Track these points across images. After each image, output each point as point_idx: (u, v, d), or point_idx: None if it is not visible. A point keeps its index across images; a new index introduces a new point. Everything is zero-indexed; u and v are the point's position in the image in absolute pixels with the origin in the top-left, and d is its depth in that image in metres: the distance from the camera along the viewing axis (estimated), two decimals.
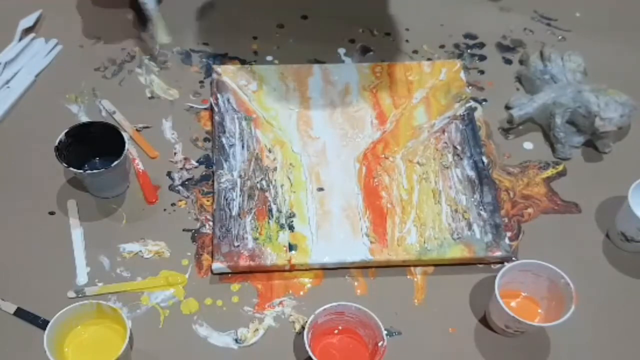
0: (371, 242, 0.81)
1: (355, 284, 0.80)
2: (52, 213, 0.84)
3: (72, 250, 0.81)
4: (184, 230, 0.83)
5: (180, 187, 0.87)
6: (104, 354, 0.69)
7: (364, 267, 0.81)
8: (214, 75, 0.96)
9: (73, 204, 0.85)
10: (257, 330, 0.76)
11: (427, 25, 1.06)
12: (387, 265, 0.81)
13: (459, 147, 0.90)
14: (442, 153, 0.89)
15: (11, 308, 0.77)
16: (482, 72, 1.01)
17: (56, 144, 0.81)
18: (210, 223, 0.84)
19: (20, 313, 0.76)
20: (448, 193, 0.86)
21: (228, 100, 0.93)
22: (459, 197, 0.86)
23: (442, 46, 1.04)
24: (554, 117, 0.92)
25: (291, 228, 0.82)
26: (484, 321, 0.78)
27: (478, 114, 0.95)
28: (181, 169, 0.89)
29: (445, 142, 0.90)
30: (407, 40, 1.04)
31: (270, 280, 0.80)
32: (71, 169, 0.80)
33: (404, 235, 0.82)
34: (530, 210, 0.87)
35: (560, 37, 1.05)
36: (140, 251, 0.81)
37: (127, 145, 0.81)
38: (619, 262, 0.83)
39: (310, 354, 0.69)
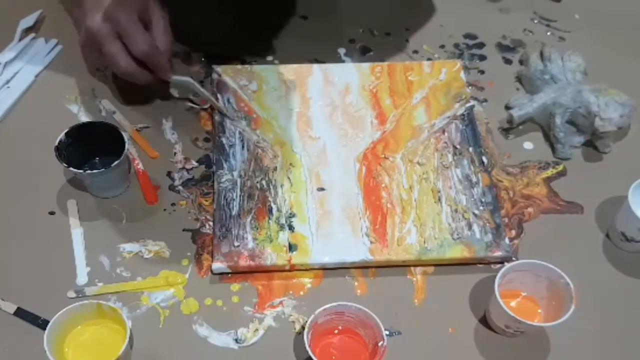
0: (371, 242, 0.81)
1: (355, 284, 0.80)
2: (52, 213, 0.84)
3: (72, 250, 0.81)
4: (184, 230, 0.83)
5: (180, 187, 0.87)
6: (104, 354, 0.69)
7: (364, 267, 0.81)
8: (214, 75, 0.96)
9: (73, 204, 0.85)
10: (257, 330, 0.76)
11: (427, 25, 1.06)
12: (387, 265, 0.81)
13: (459, 147, 0.90)
14: (442, 153, 0.89)
15: (11, 308, 0.76)
16: (482, 72, 1.01)
17: (56, 144, 0.80)
18: (210, 223, 0.84)
19: (20, 313, 0.76)
20: (448, 193, 0.86)
21: (228, 100, 0.93)
22: (459, 197, 0.86)
23: (442, 46, 1.04)
24: (554, 117, 0.92)
25: (291, 228, 0.82)
26: (484, 321, 0.78)
27: (478, 113, 0.95)
28: (181, 169, 0.89)
29: (445, 142, 0.90)
30: (407, 40, 1.04)
31: (270, 280, 0.80)
32: (71, 169, 0.80)
33: (404, 235, 0.82)
34: (530, 209, 0.87)
35: (559, 38, 1.06)
36: (140, 251, 0.81)
37: (127, 145, 0.81)
38: (619, 262, 0.83)
39: (310, 354, 0.69)
